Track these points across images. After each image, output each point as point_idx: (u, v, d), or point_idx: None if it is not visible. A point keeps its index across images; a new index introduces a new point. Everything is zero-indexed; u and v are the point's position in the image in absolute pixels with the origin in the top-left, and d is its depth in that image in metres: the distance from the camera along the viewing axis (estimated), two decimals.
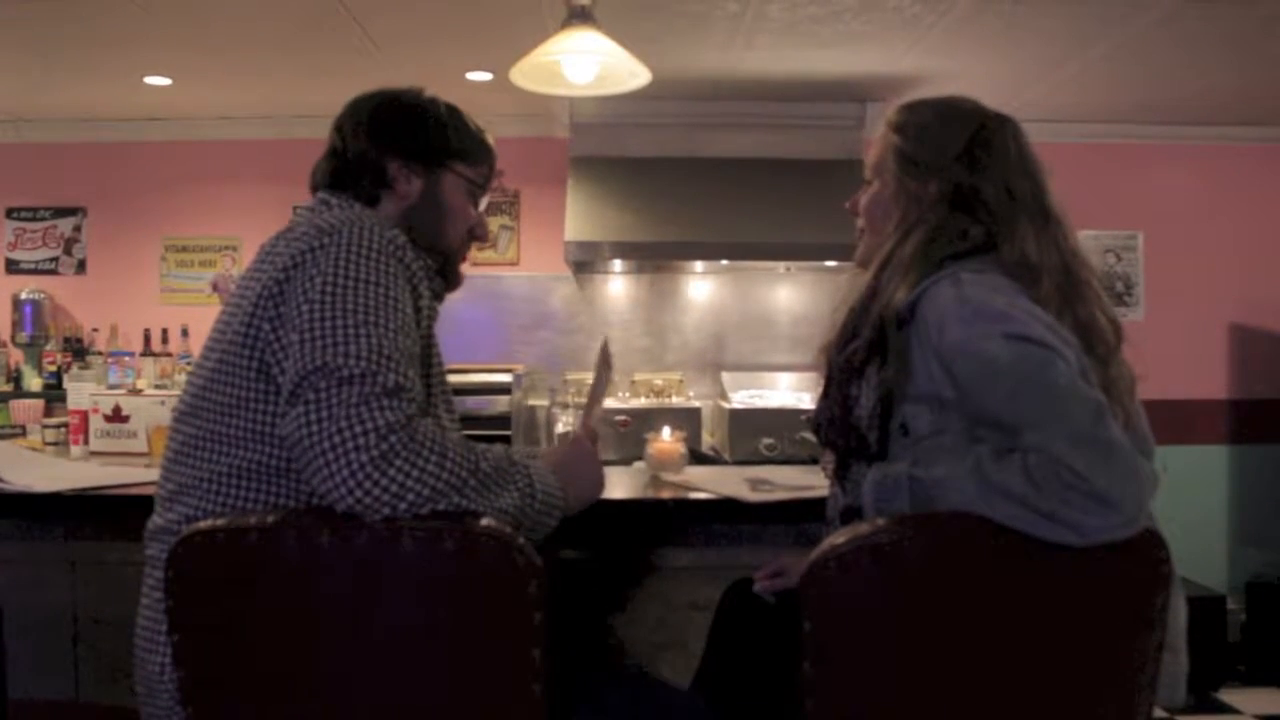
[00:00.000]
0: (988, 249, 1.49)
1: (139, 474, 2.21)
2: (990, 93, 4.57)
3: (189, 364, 4.49)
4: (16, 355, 4.79)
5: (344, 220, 1.42)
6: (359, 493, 1.22)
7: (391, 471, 1.23)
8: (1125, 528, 1.22)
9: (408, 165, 1.62)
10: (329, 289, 1.34)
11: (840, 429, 1.55)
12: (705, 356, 4.93)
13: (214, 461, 1.40)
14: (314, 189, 1.65)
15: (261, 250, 1.50)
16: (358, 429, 1.24)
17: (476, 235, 1.72)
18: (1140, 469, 1.23)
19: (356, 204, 1.58)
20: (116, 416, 2.88)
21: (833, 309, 1.60)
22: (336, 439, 1.23)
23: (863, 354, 1.49)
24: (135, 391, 3.09)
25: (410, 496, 1.24)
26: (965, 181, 1.53)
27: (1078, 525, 1.20)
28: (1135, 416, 1.49)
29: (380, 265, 1.38)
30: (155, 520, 1.47)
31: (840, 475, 1.57)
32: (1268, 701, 4.19)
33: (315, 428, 1.25)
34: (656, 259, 4.63)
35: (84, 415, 2.91)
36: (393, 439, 1.24)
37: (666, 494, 2.13)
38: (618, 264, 4.75)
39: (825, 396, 1.58)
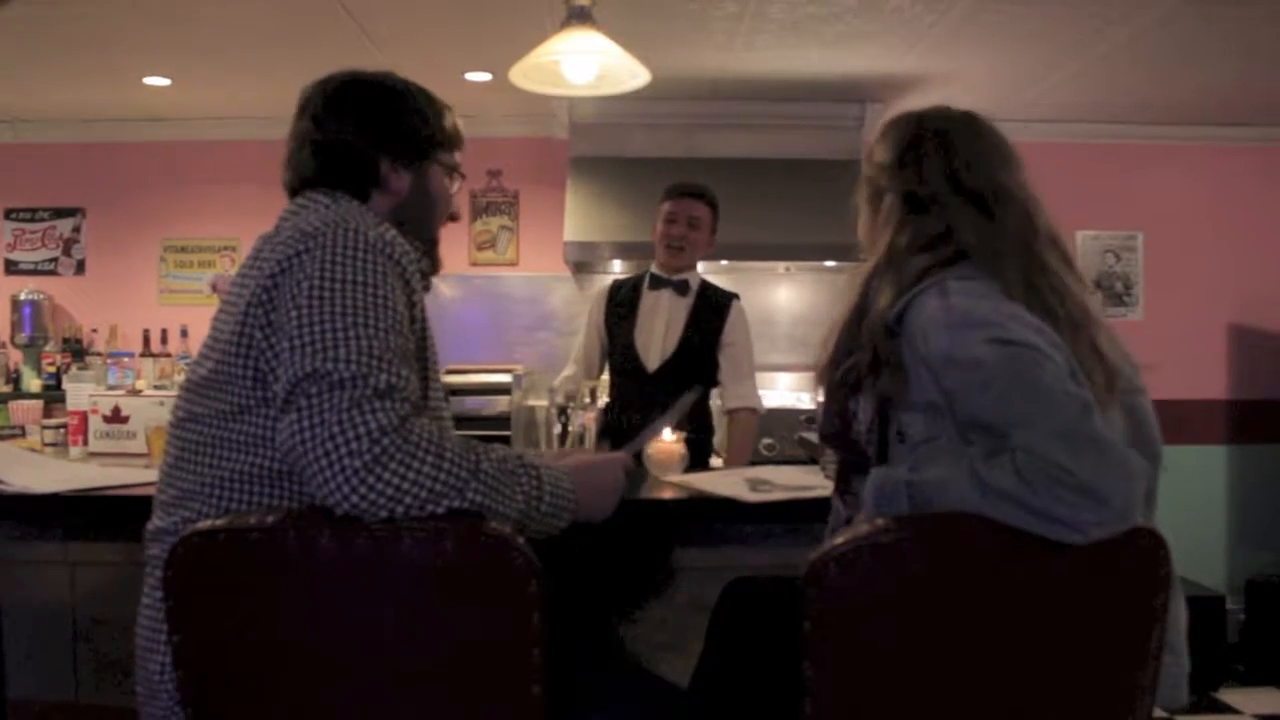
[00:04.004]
0: (961, 254, 1.50)
1: (138, 474, 2.20)
2: (990, 93, 4.58)
3: (188, 364, 4.49)
4: (16, 356, 4.79)
5: (328, 221, 1.41)
6: (354, 498, 1.22)
7: (386, 475, 1.23)
8: (1119, 522, 1.22)
9: (397, 161, 1.61)
10: (315, 293, 1.33)
11: (842, 442, 1.57)
12: None
13: (215, 467, 1.40)
14: (299, 184, 1.59)
15: (252, 252, 1.50)
16: (350, 434, 1.23)
17: (452, 217, 1.74)
18: (1130, 463, 1.23)
19: (342, 200, 1.55)
20: (115, 417, 2.88)
21: (824, 333, 1.63)
22: (329, 445, 1.23)
23: (858, 370, 1.51)
24: (134, 392, 3.09)
25: (407, 499, 1.24)
26: (908, 189, 1.56)
27: (1071, 521, 1.20)
28: (1139, 414, 1.50)
29: (367, 264, 1.37)
30: (156, 522, 1.47)
31: (841, 489, 1.59)
32: (1267, 701, 4.20)
33: (308, 434, 1.25)
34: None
35: (83, 416, 2.91)
36: (385, 442, 1.24)
37: (667, 494, 2.13)
38: (617, 264, 4.74)
39: (826, 412, 1.61)
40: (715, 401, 3.39)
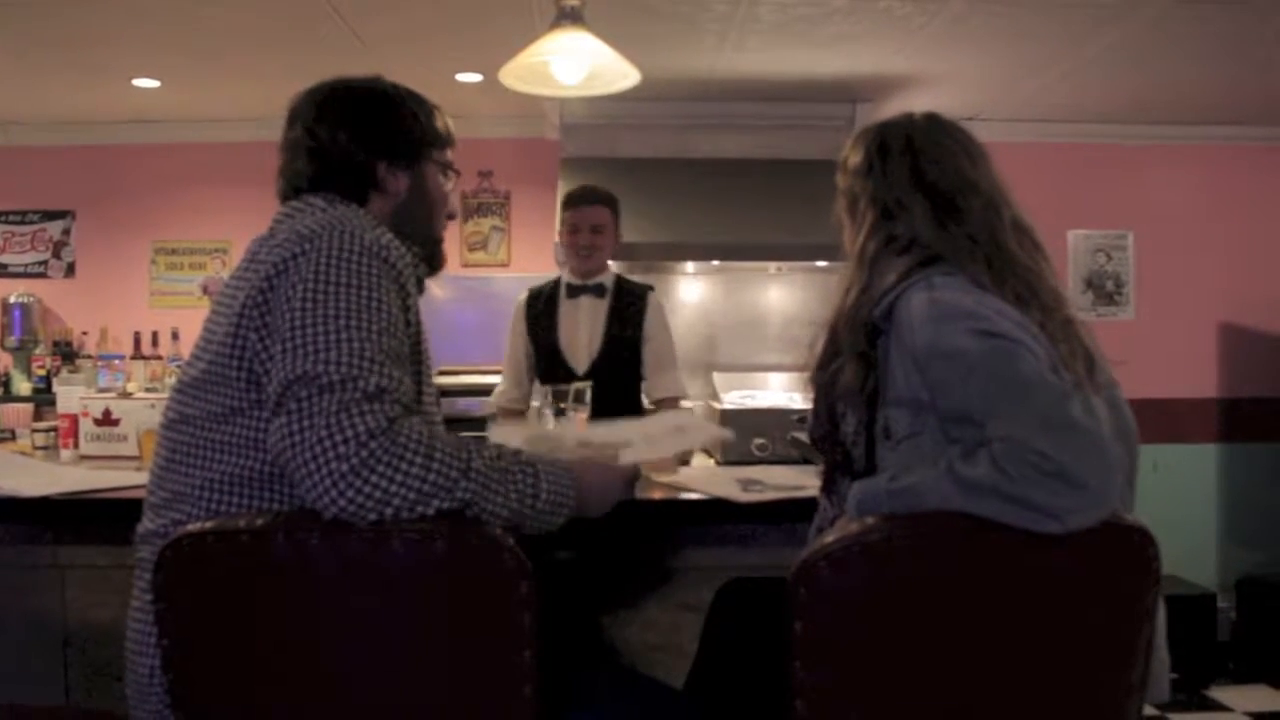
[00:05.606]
0: (936, 255, 1.51)
1: (129, 477, 2.20)
2: (980, 93, 4.58)
3: (179, 367, 4.47)
4: (6, 359, 4.77)
5: (325, 224, 1.41)
6: (342, 501, 1.22)
7: (374, 479, 1.23)
8: (1097, 507, 1.22)
9: (394, 164, 1.61)
10: (309, 296, 1.33)
11: (829, 444, 1.59)
12: (697, 357, 4.92)
13: (206, 469, 1.40)
14: (293, 191, 1.59)
15: (246, 254, 1.49)
16: (337, 437, 1.23)
17: (450, 215, 1.75)
18: (1107, 449, 1.24)
19: (339, 204, 1.55)
20: (106, 420, 2.86)
21: (812, 336, 1.64)
22: (317, 448, 1.23)
23: (844, 372, 1.52)
24: (125, 395, 3.08)
25: (395, 501, 1.24)
26: (877, 195, 1.59)
27: (1049, 508, 1.20)
28: (1116, 404, 1.51)
29: (362, 267, 1.37)
30: (146, 524, 1.46)
31: (828, 489, 1.61)
32: (1258, 699, 4.21)
33: (297, 438, 1.25)
34: (647, 260, 4.62)
35: (74, 419, 2.90)
36: (373, 444, 1.24)
37: (658, 495, 2.13)
38: (609, 264, 4.74)
39: (815, 414, 1.63)
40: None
